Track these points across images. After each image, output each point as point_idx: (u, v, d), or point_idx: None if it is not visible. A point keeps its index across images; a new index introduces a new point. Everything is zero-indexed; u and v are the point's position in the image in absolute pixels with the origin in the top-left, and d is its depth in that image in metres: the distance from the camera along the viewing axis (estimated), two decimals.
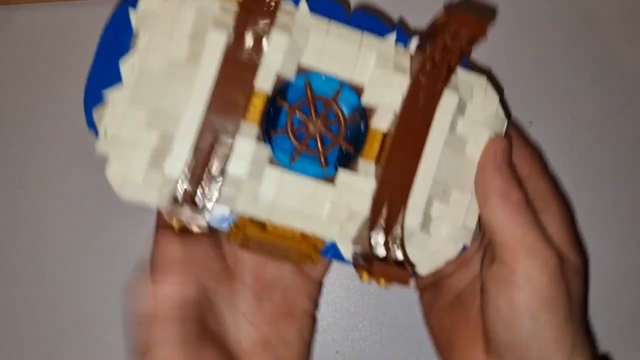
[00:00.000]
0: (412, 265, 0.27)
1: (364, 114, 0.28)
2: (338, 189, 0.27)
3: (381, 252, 0.25)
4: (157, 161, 0.25)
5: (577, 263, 0.28)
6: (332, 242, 0.27)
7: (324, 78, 0.27)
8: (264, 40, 0.26)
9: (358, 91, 0.27)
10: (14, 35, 0.38)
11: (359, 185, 0.26)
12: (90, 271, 0.36)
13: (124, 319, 0.34)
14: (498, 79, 0.37)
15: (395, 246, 0.26)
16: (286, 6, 0.27)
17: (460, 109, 0.27)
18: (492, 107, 0.28)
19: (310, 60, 0.27)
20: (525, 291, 0.26)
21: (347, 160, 0.28)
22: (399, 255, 0.25)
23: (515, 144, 0.29)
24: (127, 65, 0.26)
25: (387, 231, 0.26)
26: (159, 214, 0.28)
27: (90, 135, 0.28)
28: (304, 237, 0.27)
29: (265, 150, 0.26)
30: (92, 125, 0.26)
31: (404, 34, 0.28)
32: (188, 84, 0.25)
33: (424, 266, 0.27)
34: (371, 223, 0.26)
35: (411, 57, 0.27)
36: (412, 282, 0.34)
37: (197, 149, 0.25)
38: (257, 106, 0.26)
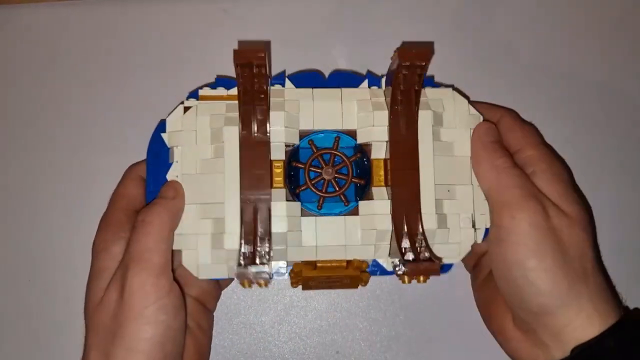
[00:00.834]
0: (439, 258, 0.32)
1: (363, 150, 0.33)
2: (363, 218, 0.32)
3: (411, 256, 0.30)
4: (217, 242, 0.31)
5: (573, 213, 0.30)
6: (372, 261, 0.33)
7: (322, 134, 0.33)
8: (267, 121, 0.32)
9: (352, 134, 0.33)
10: (14, 35, 0.38)
11: (378, 209, 0.32)
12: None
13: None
14: (500, 79, 0.40)
15: (421, 247, 0.31)
16: (275, 88, 0.33)
17: (438, 120, 0.33)
18: (464, 109, 0.33)
19: (307, 124, 0.33)
20: (511, 243, 0.30)
21: (363, 192, 0.33)
22: (427, 254, 0.30)
23: (509, 124, 0.33)
24: (172, 177, 0.32)
25: (412, 238, 0.31)
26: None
27: (90, 135, 0.30)
28: (350, 263, 0.32)
29: (296, 206, 0.32)
30: None
31: (374, 78, 0.34)
32: (221, 174, 0.31)
33: (454, 255, 0.32)
34: (397, 236, 0.31)
35: (384, 93, 0.33)
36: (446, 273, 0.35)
37: (244, 222, 0.31)
38: (278, 173, 0.32)
